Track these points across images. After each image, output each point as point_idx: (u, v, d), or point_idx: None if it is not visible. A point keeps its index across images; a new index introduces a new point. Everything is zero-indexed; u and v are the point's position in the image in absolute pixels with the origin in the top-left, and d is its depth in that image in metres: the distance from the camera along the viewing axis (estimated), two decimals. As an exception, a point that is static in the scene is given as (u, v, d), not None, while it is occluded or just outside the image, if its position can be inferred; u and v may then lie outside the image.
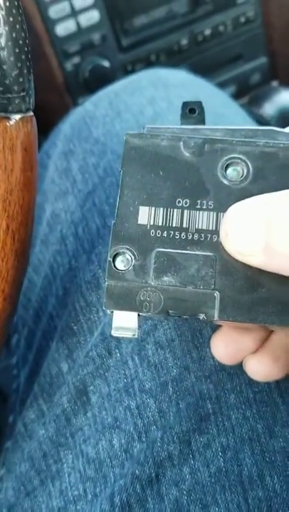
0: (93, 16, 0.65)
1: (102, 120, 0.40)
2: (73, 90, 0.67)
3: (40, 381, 0.34)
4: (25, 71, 0.25)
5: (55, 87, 0.67)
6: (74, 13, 0.64)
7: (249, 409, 0.29)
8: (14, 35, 0.24)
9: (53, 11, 0.63)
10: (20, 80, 0.25)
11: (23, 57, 0.25)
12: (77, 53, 0.66)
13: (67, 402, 0.32)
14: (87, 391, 0.31)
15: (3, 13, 0.23)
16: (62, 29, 0.65)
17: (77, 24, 0.65)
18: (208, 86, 0.45)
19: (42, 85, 0.68)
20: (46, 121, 0.52)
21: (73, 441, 0.31)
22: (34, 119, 0.27)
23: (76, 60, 0.66)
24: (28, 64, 0.26)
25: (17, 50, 0.25)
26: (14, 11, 0.24)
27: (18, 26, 0.24)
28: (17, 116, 0.26)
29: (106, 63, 0.67)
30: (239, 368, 0.30)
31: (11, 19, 0.24)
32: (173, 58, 0.70)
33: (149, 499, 0.28)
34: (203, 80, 0.46)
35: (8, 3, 0.23)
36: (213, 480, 0.28)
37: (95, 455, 0.30)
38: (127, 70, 0.68)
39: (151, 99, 0.40)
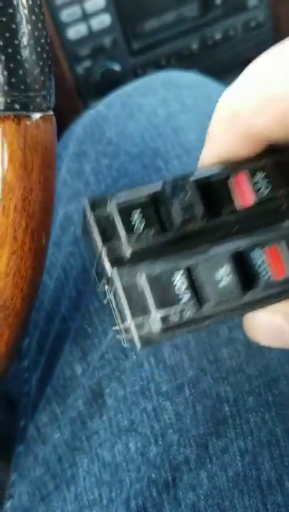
0: (104, 20, 0.65)
1: (115, 121, 0.39)
2: (84, 94, 0.67)
3: (53, 384, 0.33)
4: (46, 70, 0.25)
5: (67, 90, 0.67)
6: (85, 16, 0.64)
7: (268, 413, 0.28)
8: (36, 33, 0.24)
9: (65, 15, 0.64)
10: (42, 78, 0.25)
11: (45, 55, 0.25)
12: (88, 57, 0.66)
13: (82, 404, 0.31)
14: (103, 393, 0.31)
15: (26, 11, 0.23)
16: (74, 33, 0.65)
17: (89, 28, 0.65)
18: (220, 87, 0.45)
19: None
20: (57, 125, 0.52)
21: (89, 445, 0.30)
22: (54, 118, 0.27)
23: (87, 63, 0.66)
24: (49, 63, 0.26)
25: (39, 49, 0.25)
26: (36, 10, 0.24)
27: (40, 25, 0.24)
28: (38, 115, 0.25)
29: (117, 67, 0.67)
30: (258, 369, 0.30)
31: (33, 18, 0.24)
32: (183, 62, 0.70)
33: (166, 504, 0.27)
34: (214, 81, 0.45)
35: (30, 2, 0.23)
36: (231, 484, 0.27)
37: (111, 459, 0.29)
38: (138, 74, 0.69)
39: (164, 100, 0.39)
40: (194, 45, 0.71)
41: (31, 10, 0.24)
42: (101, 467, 0.29)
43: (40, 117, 0.25)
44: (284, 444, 0.28)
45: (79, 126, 0.43)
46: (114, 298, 0.17)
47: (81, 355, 0.32)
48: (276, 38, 0.75)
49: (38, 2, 0.24)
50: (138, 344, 0.17)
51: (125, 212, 0.17)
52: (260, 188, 0.18)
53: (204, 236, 0.18)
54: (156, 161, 0.36)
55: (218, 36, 0.71)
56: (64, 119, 0.50)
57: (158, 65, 0.69)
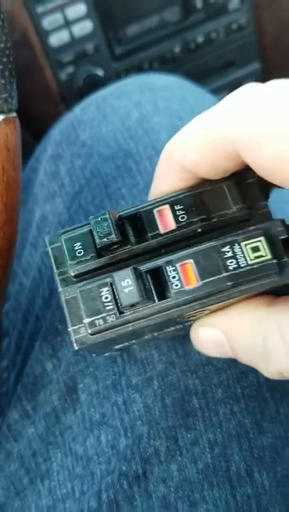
0: (86, 26, 0.66)
1: (89, 124, 0.40)
2: (68, 99, 0.68)
3: (23, 381, 0.34)
4: (6, 73, 0.26)
5: (50, 96, 0.68)
6: (67, 23, 0.65)
7: (237, 405, 0.29)
8: None
9: (47, 22, 0.65)
10: (2, 81, 0.26)
11: (5, 59, 0.26)
12: (71, 63, 0.67)
13: (57, 399, 0.32)
14: (77, 389, 0.31)
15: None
16: (56, 40, 0.66)
17: (71, 34, 0.66)
18: (195, 88, 0.45)
19: (37, 95, 0.69)
20: (42, 131, 0.52)
21: (62, 440, 0.31)
22: (17, 120, 0.28)
23: (70, 69, 0.67)
24: (9, 66, 0.26)
25: None
26: None
27: None
28: (0, 118, 0.26)
29: (100, 72, 0.67)
30: (226, 362, 0.30)
31: None
32: (166, 66, 0.71)
33: (137, 496, 0.28)
34: (190, 82, 0.46)
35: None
36: (200, 476, 0.28)
37: (83, 452, 0.30)
38: (121, 79, 0.69)
39: (138, 103, 0.40)
40: (177, 49, 0.71)
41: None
42: (74, 461, 0.30)
43: (3, 119, 0.26)
44: (253, 436, 0.28)
45: (56, 130, 0.44)
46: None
47: (51, 352, 0.33)
48: (258, 40, 0.76)
49: None
50: (75, 345, 0.21)
51: (70, 244, 0.22)
52: (178, 216, 0.21)
53: (133, 258, 0.22)
54: (128, 162, 0.37)
55: (200, 39, 0.72)
56: (48, 125, 0.51)
57: (141, 70, 0.70)
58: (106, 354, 0.27)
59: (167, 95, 0.41)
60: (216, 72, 0.75)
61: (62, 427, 0.31)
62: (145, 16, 0.69)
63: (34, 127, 0.64)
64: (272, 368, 0.21)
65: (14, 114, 0.27)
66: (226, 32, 0.73)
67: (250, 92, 0.19)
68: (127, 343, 0.25)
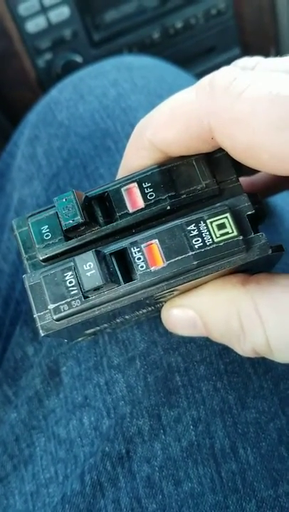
0: (63, 12, 0.65)
1: (66, 104, 0.39)
2: (46, 86, 0.66)
3: (3, 366, 0.33)
4: None
5: (28, 83, 0.67)
6: (44, 9, 0.64)
7: (220, 381, 0.28)
8: None
9: (23, 8, 0.64)
10: None
11: None
12: (49, 49, 0.66)
13: (40, 383, 0.31)
14: (60, 372, 0.31)
15: None
16: (33, 26, 0.65)
17: (48, 20, 0.65)
18: (173, 68, 0.45)
19: (15, 82, 0.68)
20: (20, 118, 0.51)
21: (46, 424, 0.30)
22: None
23: (48, 56, 0.66)
24: None
25: None
26: None
27: None
28: None
29: (78, 58, 0.67)
30: (208, 339, 0.30)
31: None
32: (145, 52, 0.70)
33: (120, 477, 0.27)
34: (167, 63, 0.46)
35: None
36: (185, 455, 0.27)
37: (66, 435, 0.29)
38: (100, 65, 0.68)
39: (114, 82, 0.39)
40: (156, 35, 0.71)
41: None
42: (57, 444, 0.29)
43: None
44: (236, 412, 0.28)
45: (33, 113, 0.43)
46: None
47: (32, 335, 0.32)
48: (238, 26, 0.76)
49: None
50: (41, 332, 0.20)
51: (37, 228, 0.21)
52: (146, 194, 0.21)
53: (103, 239, 0.21)
54: (107, 141, 0.36)
55: (179, 25, 0.71)
56: (26, 112, 0.50)
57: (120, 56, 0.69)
58: (79, 339, 0.27)
59: (145, 74, 0.41)
60: (196, 57, 0.75)
61: (45, 411, 0.31)
62: (123, 1, 0.68)
63: (12, 114, 0.63)
64: (247, 346, 0.21)
65: None
66: (205, 17, 0.73)
67: (232, 72, 0.19)
68: (98, 328, 0.24)
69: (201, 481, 0.27)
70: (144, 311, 0.25)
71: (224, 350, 0.29)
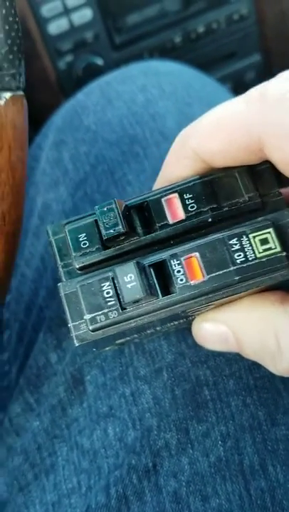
0: (86, 14, 0.65)
1: (93, 109, 0.39)
2: (67, 88, 0.66)
3: (26, 373, 0.33)
4: (15, 48, 0.25)
5: (49, 85, 0.66)
6: (67, 11, 0.64)
7: (250, 396, 0.28)
8: (3, 11, 0.24)
9: (46, 10, 0.63)
10: (10, 57, 0.25)
11: (13, 34, 0.25)
12: (70, 51, 0.65)
13: (63, 391, 0.31)
14: (84, 381, 0.30)
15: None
16: (55, 28, 0.64)
17: (70, 22, 0.65)
18: (200, 74, 0.44)
19: (36, 84, 0.67)
20: (40, 120, 0.51)
21: (68, 433, 0.30)
22: (25, 98, 0.27)
23: (69, 58, 0.66)
24: (18, 42, 0.25)
25: (7, 27, 0.24)
26: None
27: (7, 3, 0.24)
28: (7, 95, 0.25)
29: (99, 61, 0.66)
30: (238, 353, 0.29)
31: None
32: (166, 56, 0.70)
33: (147, 491, 0.27)
34: (194, 69, 0.45)
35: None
36: (213, 470, 0.27)
37: (90, 446, 0.29)
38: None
39: (143, 87, 0.39)
40: (177, 39, 0.70)
41: (-2, -11, 0.23)
42: (80, 455, 0.29)
43: (10, 97, 0.25)
44: (266, 428, 0.27)
45: (58, 116, 0.43)
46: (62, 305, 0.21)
47: (56, 343, 0.32)
48: (261, 31, 0.75)
49: None
50: (75, 342, 0.20)
51: (74, 235, 0.21)
52: (188, 205, 0.20)
53: (141, 249, 0.21)
54: (135, 147, 0.36)
55: (201, 29, 0.71)
56: (47, 114, 0.50)
57: (141, 59, 0.69)
58: (107, 348, 0.26)
59: (172, 80, 0.40)
60: (216, 62, 0.74)
61: (68, 420, 0.30)
62: (145, 4, 0.68)
63: (32, 116, 0.63)
64: (283, 365, 0.20)
65: (21, 93, 0.26)
66: (227, 22, 0.72)
67: (282, 86, 0.18)
68: (128, 338, 0.24)
69: (229, 497, 0.26)
70: (176, 323, 0.24)
71: (254, 365, 0.28)
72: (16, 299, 0.38)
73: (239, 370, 0.28)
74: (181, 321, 0.24)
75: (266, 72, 0.77)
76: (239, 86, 0.76)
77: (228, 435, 0.27)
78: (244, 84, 0.77)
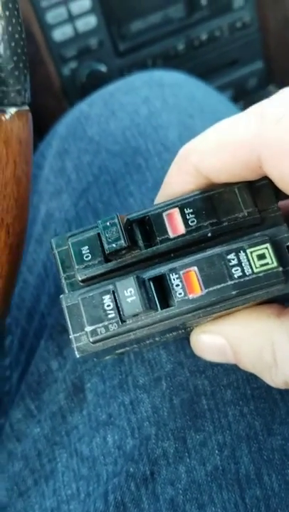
0: (90, 21, 0.66)
1: (97, 120, 0.40)
2: (71, 95, 0.67)
3: (27, 380, 0.33)
4: (20, 65, 0.25)
5: (53, 91, 0.67)
6: (71, 18, 0.65)
7: (246, 406, 0.28)
8: (10, 29, 0.24)
9: (50, 17, 0.64)
10: (16, 73, 0.25)
11: (19, 51, 0.25)
12: (74, 58, 0.66)
13: (64, 399, 0.31)
14: (84, 388, 0.31)
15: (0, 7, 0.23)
16: (60, 34, 0.65)
17: (75, 29, 0.65)
18: (203, 85, 0.45)
19: (40, 90, 0.68)
20: (44, 126, 0.52)
21: (68, 440, 0.30)
22: (30, 113, 0.27)
23: (73, 64, 0.66)
24: (23, 58, 0.25)
25: (13, 44, 0.25)
26: (10, 5, 0.24)
27: (14, 20, 0.24)
28: (12, 110, 0.25)
29: (103, 68, 0.67)
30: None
31: (7, 13, 0.24)
32: (169, 63, 0.71)
33: (144, 498, 0.27)
34: (197, 79, 0.46)
35: (4, -1, 0.23)
36: (209, 479, 0.27)
37: (89, 453, 0.29)
38: (124, 75, 0.69)
39: (146, 99, 0.40)
40: (180, 46, 0.71)
41: (5, 6, 0.24)
42: (79, 461, 0.29)
43: (16, 112, 0.26)
44: (262, 438, 0.28)
45: (62, 125, 0.43)
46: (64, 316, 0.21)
47: (57, 350, 0.32)
48: (263, 38, 0.76)
49: None
50: (76, 353, 0.21)
51: (77, 248, 0.21)
52: (188, 220, 0.21)
53: (142, 262, 0.21)
54: (137, 158, 0.36)
55: (204, 37, 0.72)
56: (50, 120, 0.51)
57: (144, 66, 0.69)
58: (107, 357, 0.27)
59: (176, 92, 0.41)
60: (219, 70, 0.75)
61: (68, 427, 0.31)
62: (149, 12, 0.68)
63: (36, 122, 0.63)
64: (279, 378, 0.21)
65: (27, 108, 0.26)
66: (230, 30, 0.73)
67: (281, 104, 0.19)
68: (127, 348, 0.25)
69: (225, 505, 0.27)
70: (175, 333, 0.25)
71: (251, 376, 0.29)
72: (18, 305, 0.39)
73: (237, 380, 0.29)
74: (180, 331, 0.24)
75: (268, 80, 0.77)
76: (241, 93, 0.77)
77: (225, 444, 0.28)
78: (246, 91, 0.77)
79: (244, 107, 0.69)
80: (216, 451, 0.28)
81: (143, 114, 0.38)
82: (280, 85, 0.78)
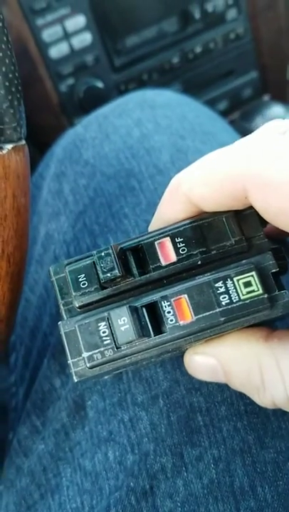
0: (86, 38, 0.67)
1: (92, 143, 0.41)
2: (69, 111, 0.68)
3: (32, 398, 0.35)
4: (15, 103, 0.26)
5: (51, 108, 0.68)
6: (67, 35, 0.66)
7: (240, 421, 0.30)
8: (4, 69, 0.25)
9: (46, 35, 0.65)
10: (11, 111, 0.26)
11: (13, 89, 0.26)
12: (71, 75, 0.67)
13: (66, 416, 0.33)
14: (85, 406, 0.32)
15: (-7, 48, 0.24)
16: (56, 52, 0.66)
17: (70, 46, 0.66)
18: (194, 104, 0.46)
19: (38, 107, 0.70)
20: (43, 142, 0.53)
21: (72, 455, 0.32)
22: (26, 147, 0.28)
23: (70, 81, 0.68)
24: (18, 96, 0.27)
25: (7, 84, 0.25)
26: (3, 46, 0.25)
27: (7, 60, 0.25)
28: (9, 146, 0.26)
29: (100, 84, 0.68)
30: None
31: (0, 54, 0.25)
32: (165, 76, 0.72)
33: (144, 511, 0.29)
34: (189, 98, 0.47)
35: (-4, 39, 0.24)
36: (205, 491, 0.29)
37: (92, 468, 0.31)
38: (121, 90, 0.70)
39: (138, 121, 0.41)
40: (175, 59, 0.72)
41: (-3, 47, 0.25)
42: (82, 476, 0.31)
43: (12, 148, 0.27)
44: (255, 451, 0.29)
45: (59, 147, 0.45)
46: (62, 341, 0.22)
47: (59, 369, 0.34)
48: (256, 49, 0.77)
49: (5, 38, 0.25)
50: (74, 378, 0.22)
51: (74, 275, 0.22)
52: (179, 248, 0.22)
53: (136, 289, 0.23)
54: (131, 181, 0.37)
55: (198, 49, 0.73)
56: (49, 137, 0.52)
57: (140, 81, 0.71)
58: (106, 377, 0.28)
59: (167, 113, 0.42)
60: (214, 81, 0.76)
61: (71, 443, 0.32)
62: (144, 26, 0.70)
63: (35, 138, 0.65)
64: (267, 399, 0.22)
65: (23, 142, 0.28)
66: (224, 41, 0.74)
67: (268, 136, 0.20)
68: (124, 369, 0.26)
69: None
70: (169, 354, 0.26)
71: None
72: (21, 324, 0.40)
73: (230, 396, 0.30)
74: (175, 352, 0.26)
75: (262, 89, 0.79)
76: (236, 103, 0.78)
77: (220, 458, 0.29)
78: (241, 101, 0.78)
79: (240, 117, 0.70)
80: (212, 465, 0.29)
81: (135, 137, 0.40)
82: (275, 95, 0.79)
